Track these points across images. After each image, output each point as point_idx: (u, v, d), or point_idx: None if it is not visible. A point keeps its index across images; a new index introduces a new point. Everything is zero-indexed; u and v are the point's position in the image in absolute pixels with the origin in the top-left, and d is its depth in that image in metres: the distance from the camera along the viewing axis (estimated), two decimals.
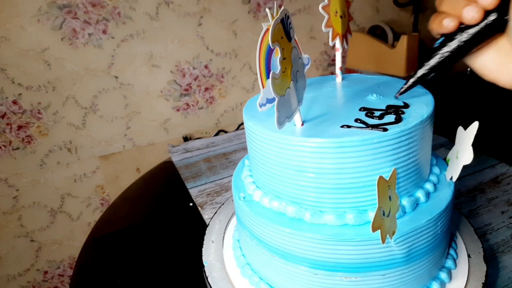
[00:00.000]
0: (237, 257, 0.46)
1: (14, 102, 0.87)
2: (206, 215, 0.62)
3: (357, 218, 0.34)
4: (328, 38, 0.43)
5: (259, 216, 0.38)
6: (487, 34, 0.31)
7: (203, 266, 0.46)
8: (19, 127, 0.90)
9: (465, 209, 0.58)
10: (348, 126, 0.34)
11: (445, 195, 0.37)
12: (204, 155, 0.85)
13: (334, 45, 0.44)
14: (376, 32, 1.12)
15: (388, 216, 0.30)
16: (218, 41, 1.03)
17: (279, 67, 0.31)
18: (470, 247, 0.44)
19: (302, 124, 0.36)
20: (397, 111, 0.35)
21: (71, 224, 1.03)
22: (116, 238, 0.61)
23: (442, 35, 0.33)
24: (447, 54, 0.33)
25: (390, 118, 0.34)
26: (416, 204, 0.36)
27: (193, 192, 0.70)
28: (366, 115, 0.35)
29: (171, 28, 0.96)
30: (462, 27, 0.31)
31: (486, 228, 0.53)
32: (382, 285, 0.35)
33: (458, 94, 1.03)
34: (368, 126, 0.33)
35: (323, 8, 0.41)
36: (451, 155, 0.39)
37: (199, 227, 0.57)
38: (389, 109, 0.36)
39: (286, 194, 0.37)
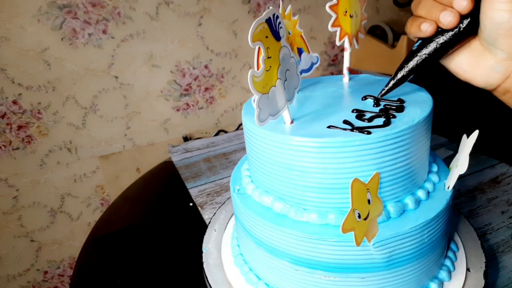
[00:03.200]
0: (233, 247, 0.48)
1: (14, 102, 0.87)
2: (206, 215, 0.62)
3: (338, 218, 0.34)
4: (328, 38, 0.43)
5: (248, 209, 0.39)
6: (462, 36, 0.33)
7: (201, 252, 0.47)
8: (19, 127, 0.90)
9: (465, 209, 0.58)
10: (335, 127, 0.34)
11: (437, 204, 0.36)
12: (204, 155, 0.85)
13: (342, 45, 0.43)
14: (376, 32, 1.12)
15: (365, 219, 0.30)
16: (218, 41, 1.03)
17: (262, 66, 0.31)
18: (471, 260, 0.42)
19: (292, 122, 0.36)
20: (388, 115, 0.35)
21: (71, 224, 1.03)
22: (116, 238, 0.60)
23: (420, 38, 0.35)
24: (425, 56, 0.35)
25: (380, 121, 0.34)
26: (403, 210, 0.35)
27: (193, 192, 0.70)
28: (357, 117, 0.35)
29: (171, 28, 0.96)
30: (438, 31, 0.33)
31: (486, 228, 0.53)
32: None
33: (458, 94, 1.03)
34: (353, 128, 0.33)
35: (330, 7, 0.40)
36: (453, 163, 0.38)
37: (199, 227, 0.57)
38: (382, 112, 0.35)
39: (274, 190, 0.38)
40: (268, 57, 0.31)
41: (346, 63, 0.45)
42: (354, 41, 0.44)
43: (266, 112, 0.33)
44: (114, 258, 0.56)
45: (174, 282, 0.50)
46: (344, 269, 0.34)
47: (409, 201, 0.35)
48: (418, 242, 0.34)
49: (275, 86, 0.33)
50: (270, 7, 0.33)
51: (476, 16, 0.31)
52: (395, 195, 0.35)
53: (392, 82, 0.37)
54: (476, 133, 0.35)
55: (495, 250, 0.49)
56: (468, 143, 0.35)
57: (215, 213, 0.56)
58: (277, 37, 0.32)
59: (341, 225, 0.29)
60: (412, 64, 0.36)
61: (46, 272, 1.05)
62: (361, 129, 0.32)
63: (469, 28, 0.32)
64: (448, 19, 0.32)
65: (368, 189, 0.30)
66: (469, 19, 0.32)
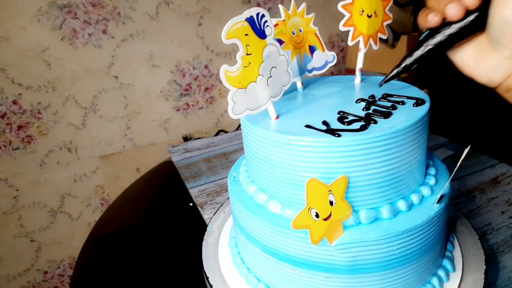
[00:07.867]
0: (231, 229, 0.50)
1: (14, 102, 0.87)
2: (206, 215, 0.62)
3: None
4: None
5: (233, 195, 0.41)
6: (468, 31, 0.33)
7: (201, 252, 0.48)
8: (19, 127, 0.90)
9: (465, 209, 0.58)
10: (311, 127, 0.34)
11: (416, 218, 0.34)
12: (204, 155, 0.85)
13: (343, 45, 0.42)
14: None
15: (326, 219, 0.30)
16: (218, 41, 1.03)
17: (238, 62, 0.32)
18: (470, 260, 0.40)
19: (277, 118, 0.37)
20: (369, 120, 0.34)
21: (71, 224, 1.03)
22: (116, 238, 0.60)
23: (428, 29, 0.35)
24: (431, 46, 0.35)
25: (358, 125, 0.34)
26: (375, 218, 0.34)
27: (193, 192, 0.70)
28: (339, 119, 0.35)
29: (171, 28, 0.96)
30: (446, 23, 0.34)
31: (486, 228, 0.53)
32: (326, 287, 0.35)
33: (458, 94, 1.03)
34: (327, 129, 0.33)
35: (343, 6, 0.39)
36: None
37: (199, 227, 0.57)
38: (365, 117, 0.35)
39: (257, 181, 0.39)
40: (248, 54, 0.33)
41: (359, 64, 0.44)
42: (372, 42, 0.43)
43: (243, 106, 0.34)
44: (114, 258, 0.56)
45: (174, 282, 0.50)
46: (308, 266, 0.34)
47: (384, 210, 0.34)
48: (386, 253, 0.33)
49: (255, 82, 0.34)
50: (279, 5, 0.33)
51: (485, 11, 0.32)
52: (369, 201, 0.34)
53: (396, 70, 0.38)
54: (467, 150, 0.34)
55: (495, 250, 0.49)
56: (461, 158, 0.34)
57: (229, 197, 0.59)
58: (262, 35, 0.33)
59: (292, 220, 0.29)
60: (418, 53, 0.36)
61: (46, 272, 1.05)
62: (332, 131, 0.32)
63: (476, 22, 0.33)
64: (453, 11, 0.32)
65: (330, 190, 0.30)
66: (477, 14, 0.32)
